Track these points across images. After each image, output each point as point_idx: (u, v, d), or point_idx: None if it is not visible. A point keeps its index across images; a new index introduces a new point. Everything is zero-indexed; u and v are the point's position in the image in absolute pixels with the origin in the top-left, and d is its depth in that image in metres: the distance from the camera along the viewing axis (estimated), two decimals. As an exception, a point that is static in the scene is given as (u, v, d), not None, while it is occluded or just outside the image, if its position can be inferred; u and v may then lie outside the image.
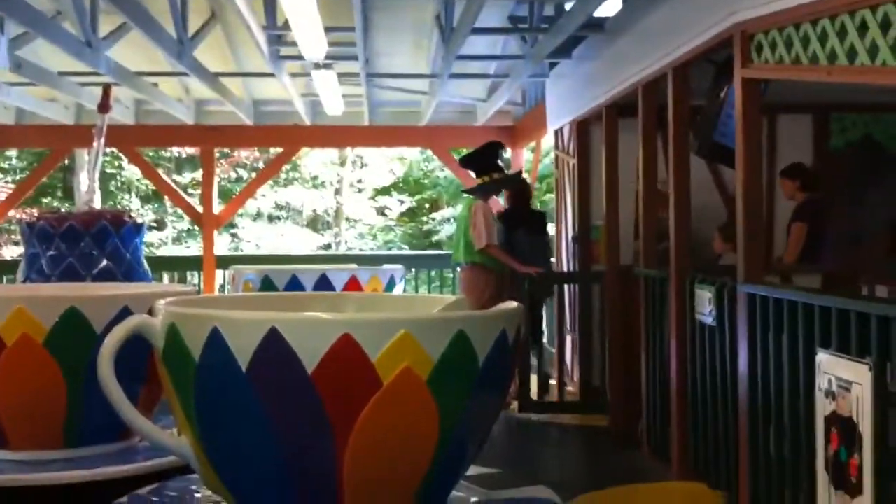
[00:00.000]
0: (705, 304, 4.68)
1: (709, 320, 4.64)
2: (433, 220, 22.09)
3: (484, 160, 7.29)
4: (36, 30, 6.31)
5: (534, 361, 7.23)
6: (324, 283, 7.33)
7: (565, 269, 8.34)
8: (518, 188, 7.90)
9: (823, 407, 3.22)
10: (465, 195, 7.51)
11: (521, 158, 11.72)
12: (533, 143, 11.58)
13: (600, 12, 6.23)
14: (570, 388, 7.35)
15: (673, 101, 5.19)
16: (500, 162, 7.38)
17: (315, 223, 23.00)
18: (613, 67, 6.41)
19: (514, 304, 2.92)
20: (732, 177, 4.72)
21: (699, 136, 5.58)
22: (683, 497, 4.83)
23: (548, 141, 11.05)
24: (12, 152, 20.17)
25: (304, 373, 2.60)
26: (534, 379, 7.06)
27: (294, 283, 7.26)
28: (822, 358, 3.26)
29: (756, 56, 4.16)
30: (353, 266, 8.35)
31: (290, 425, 2.71)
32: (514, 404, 6.83)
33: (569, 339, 7.93)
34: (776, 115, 7.41)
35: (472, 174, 7.59)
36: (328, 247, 21.65)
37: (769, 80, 4.64)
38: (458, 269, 7.49)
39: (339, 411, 2.64)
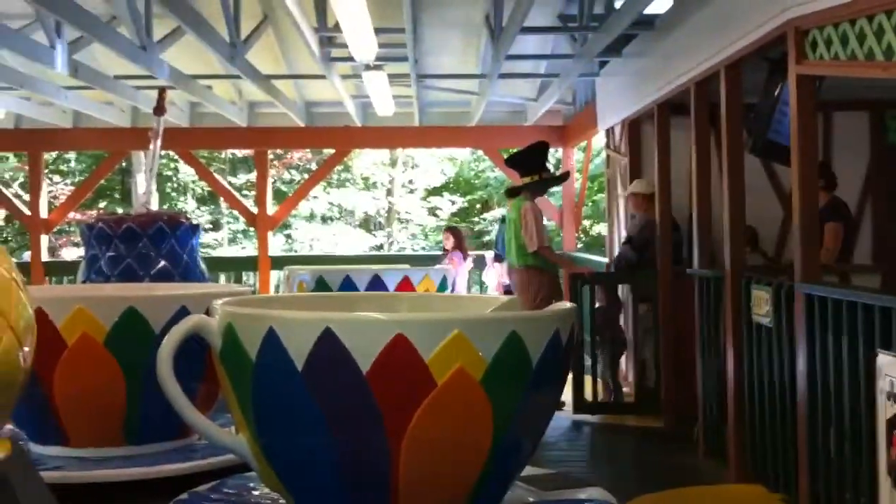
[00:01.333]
0: (762, 305, 4.62)
1: (765, 321, 4.58)
2: (484, 220, 22.08)
3: (530, 160, 7.27)
4: (92, 34, 6.43)
5: (588, 362, 7.19)
6: (377, 284, 7.39)
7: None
8: None
9: (885, 409, 3.16)
10: (512, 197, 7.45)
11: (572, 158, 11.68)
12: (584, 143, 11.52)
13: (651, 9, 6.18)
14: (625, 389, 7.29)
15: (726, 98, 5.13)
16: (546, 161, 7.35)
17: (367, 224, 23.13)
18: (665, 65, 6.36)
19: (567, 304, 2.91)
20: (787, 175, 4.66)
21: (753, 133, 5.51)
22: (741, 499, 4.77)
23: (599, 140, 10.99)
24: (71, 155, 20.56)
25: (358, 372, 2.62)
26: (588, 380, 7.02)
27: (347, 284, 7.32)
28: (883, 360, 3.20)
29: (811, 52, 4.10)
30: (406, 266, 8.39)
31: (345, 424, 2.73)
32: (569, 405, 6.80)
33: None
34: (831, 113, 7.29)
35: (518, 174, 7.56)
36: (380, 247, 21.76)
37: (824, 77, 4.57)
38: (511, 271, 7.46)
39: (393, 411, 2.66)
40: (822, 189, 6.45)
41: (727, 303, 5.11)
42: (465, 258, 10.42)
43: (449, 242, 10.55)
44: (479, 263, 11.47)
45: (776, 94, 5.32)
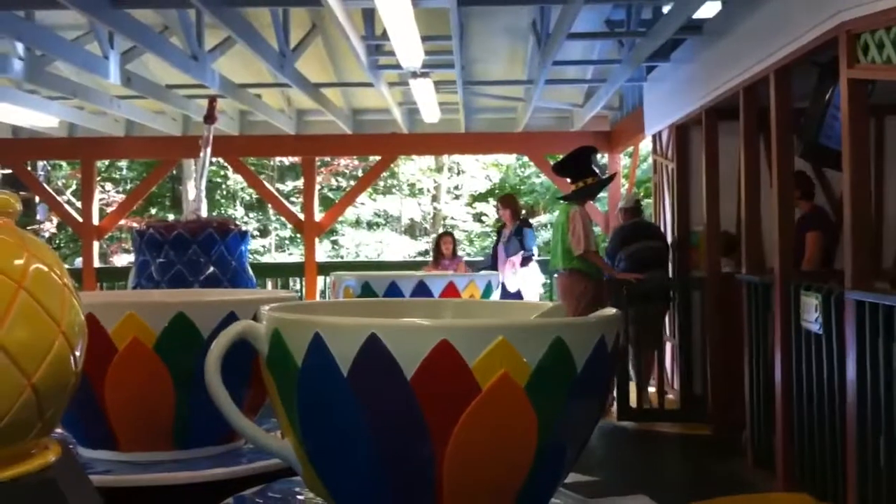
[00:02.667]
0: (811, 311, 4.56)
1: (815, 328, 4.53)
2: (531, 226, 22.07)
3: (577, 165, 7.26)
4: (144, 45, 6.54)
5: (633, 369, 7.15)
6: (422, 290, 7.42)
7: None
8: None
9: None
10: (562, 202, 7.49)
11: (619, 163, 11.62)
12: (630, 148, 11.46)
13: (699, 14, 6.14)
14: (669, 396, 7.24)
15: (775, 103, 5.08)
16: (594, 166, 7.33)
17: (413, 230, 23.20)
18: (713, 70, 6.31)
19: (612, 310, 2.90)
20: (839, 180, 4.60)
21: (803, 138, 5.45)
22: (788, 509, 4.71)
23: (645, 145, 10.92)
24: (123, 163, 20.90)
25: (403, 378, 2.64)
26: (632, 386, 6.99)
27: (393, 290, 7.36)
28: (935, 367, 3.15)
29: (862, 56, 4.05)
30: (450, 272, 8.41)
31: (390, 430, 2.75)
32: (614, 412, 6.77)
33: (668, 345, 7.83)
34: (884, 117, 7.19)
35: (568, 180, 7.56)
36: (426, 253, 21.82)
37: (875, 81, 4.51)
38: (556, 275, 7.45)
39: (438, 416, 2.67)
40: (801, 199, 6.38)
41: (776, 309, 5.05)
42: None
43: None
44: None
45: (827, 98, 5.26)
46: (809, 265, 6.35)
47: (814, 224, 6.48)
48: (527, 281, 9.00)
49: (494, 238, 9.78)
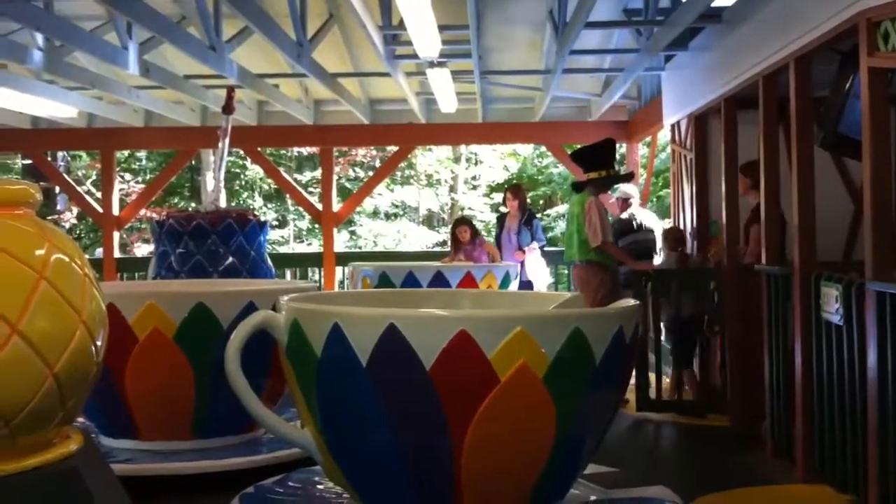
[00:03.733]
0: (832, 303, 4.53)
1: (835, 319, 4.50)
2: (548, 216, 21.99)
3: (596, 156, 7.23)
4: (162, 35, 6.56)
5: (653, 359, 7.12)
6: (439, 280, 7.43)
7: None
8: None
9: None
10: (576, 193, 7.45)
11: (637, 153, 11.57)
12: (649, 138, 11.41)
13: (718, 2, 6.09)
14: (687, 388, 7.21)
15: (795, 92, 5.04)
16: (614, 159, 7.30)
17: (430, 220, 23.21)
18: (732, 59, 6.27)
19: (631, 301, 2.89)
20: (859, 169, 4.57)
21: (823, 127, 5.41)
22: (808, 500, 4.69)
23: (664, 135, 10.87)
24: (142, 153, 20.99)
25: (421, 368, 2.64)
26: (652, 377, 6.96)
27: (410, 280, 7.38)
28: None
29: (883, 44, 4.01)
30: (469, 263, 8.41)
31: (409, 419, 2.75)
32: (632, 403, 6.75)
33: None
34: (905, 105, 7.12)
35: (582, 170, 7.53)
36: (444, 243, 21.82)
37: (898, 69, 4.47)
38: (572, 266, 7.43)
39: (457, 407, 2.67)
40: (753, 188, 6.27)
41: (796, 300, 5.02)
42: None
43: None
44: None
45: (847, 87, 5.21)
46: (753, 258, 6.29)
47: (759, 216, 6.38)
48: (537, 270, 9.04)
49: (496, 227, 9.74)
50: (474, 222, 9.71)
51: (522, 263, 8.85)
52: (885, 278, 4.05)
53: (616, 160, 7.40)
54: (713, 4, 6.01)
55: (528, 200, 12.66)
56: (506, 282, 7.88)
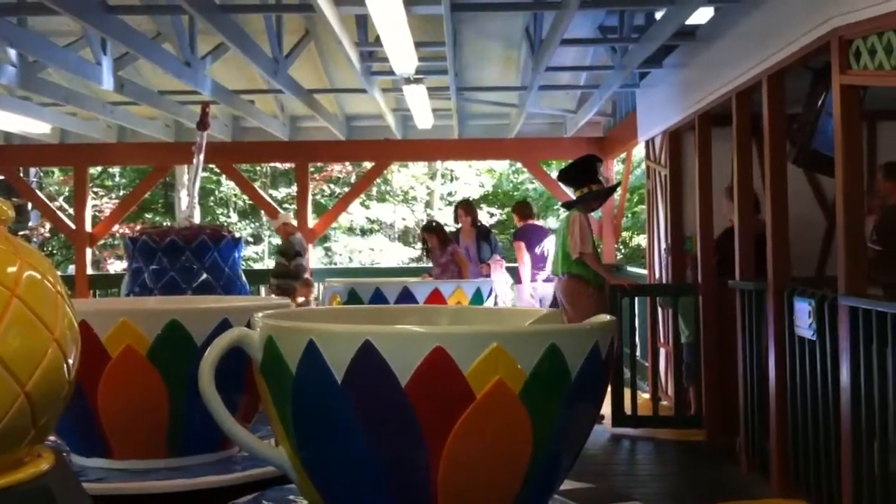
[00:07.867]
0: (805, 317, 4.57)
1: (808, 334, 4.53)
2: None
3: (580, 173, 7.28)
4: (137, 51, 6.53)
5: (628, 374, 7.14)
6: (406, 296, 7.45)
7: (657, 280, 8.24)
8: None
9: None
10: (567, 209, 7.54)
11: (612, 170, 11.63)
12: (624, 155, 11.48)
13: (692, 20, 6.15)
14: (664, 403, 7.23)
15: (768, 108, 5.09)
16: (598, 174, 7.34)
17: (406, 236, 23.21)
18: (706, 76, 6.33)
19: (607, 317, 2.89)
20: (832, 186, 4.61)
21: (796, 144, 5.46)
22: (783, 514, 4.71)
23: (639, 152, 10.93)
24: (115, 170, 20.86)
25: (397, 385, 2.63)
26: (627, 392, 6.98)
27: (378, 296, 7.42)
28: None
29: (854, 62, 4.06)
30: (435, 281, 8.41)
31: (385, 437, 2.74)
32: (608, 418, 6.76)
33: (662, 351, 7.83)
34: (876, 122, 7.20)
35: (570, 190, 7.60)
36: (420, 258, 21.83)
37: (868, 87, 4.52)
38: (557, 280, 7.46)
39: (433, 423, 2.67)
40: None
41: (770, 315, 5.05)
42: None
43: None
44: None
45: (819, 103, 5.27)
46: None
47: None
48: (501, 285, 9.19)
49: None
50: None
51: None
52: (858, 293, 4.08)
53: (600, 175, 7.43)
54: (687, 22, 6.07)
55: (491, 218, 12.81)
56: (478, 298, 7.89)
